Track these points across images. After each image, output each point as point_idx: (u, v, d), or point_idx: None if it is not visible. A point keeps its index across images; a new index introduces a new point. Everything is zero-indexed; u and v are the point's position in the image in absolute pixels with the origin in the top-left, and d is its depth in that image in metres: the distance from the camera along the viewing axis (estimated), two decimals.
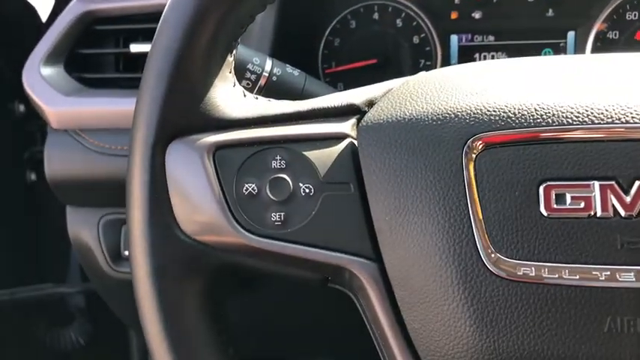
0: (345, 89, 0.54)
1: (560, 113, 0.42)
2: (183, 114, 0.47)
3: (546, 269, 0.40)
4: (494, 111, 0.43)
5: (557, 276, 0.40)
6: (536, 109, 0.43)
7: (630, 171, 0.41)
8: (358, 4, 0.99)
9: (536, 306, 0.40)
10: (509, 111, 0.43)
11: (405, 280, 0.43)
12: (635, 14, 0.93)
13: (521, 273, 0.41)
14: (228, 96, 0.49)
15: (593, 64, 0.48)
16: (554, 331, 0.40)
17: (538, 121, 0.42)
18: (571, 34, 0.95)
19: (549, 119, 0.42)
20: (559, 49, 0.96)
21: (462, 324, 0.42)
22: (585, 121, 0.42)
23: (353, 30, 1.00)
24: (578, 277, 0.40)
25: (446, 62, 0.97)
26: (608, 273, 0.40)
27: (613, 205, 0.40)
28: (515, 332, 0.41)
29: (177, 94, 0.47)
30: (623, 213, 0.40)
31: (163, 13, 0.47)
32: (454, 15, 0.97)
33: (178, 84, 0.47)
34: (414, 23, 0.98)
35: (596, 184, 0.41)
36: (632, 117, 0.41)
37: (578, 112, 0.42)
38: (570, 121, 0.42)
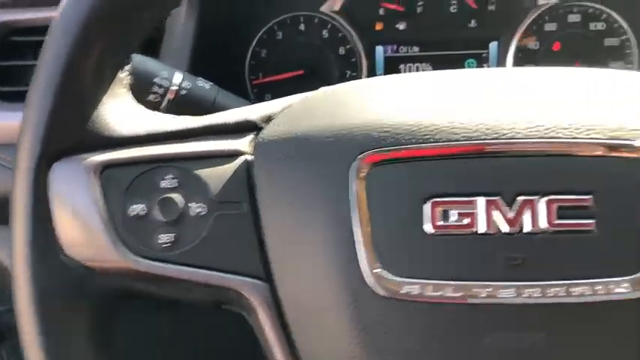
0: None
1: (448, 129, 0.42)
2: (71, 132, 0.46)
3: (430, 287, 0.40)
4: (384, 128, 0.43)
5: (439, 293, 0.40)
6: (425, 126, 0.43)
7: (514, 186, 0.41)
8: (284, 14, 0.99)
9: (420, 324, 0.40)
10: (398, 128, 0.43)
11: (295, 301, 0.43)
12: (553, 25, 0.95)
13: (404, 291, 0.40)
14: (120, 113, 0.48)
15: (484, 78, 0.48)
16: (437, 349, 0.40)
17: (426, 137, 0.42)
18: (493, 45, 0.96)
19: (436, 135, 0.42)
20: (482, 60, 0.97)
21: (349, 345, 0.41)
22: (471, 137, 0.42)
23: (279, 41, 0.99)
24: (460, 294, 0.40)
25: (371, 73, 0.98)
26: (490, 290, 0.40)
27: (496, 222, 0.40)
28: (400, 352, 0.41)
29: (63, 111, 0.45)
30: (505, 229, 0.40)
31: (48, 32, 0.46)
32: (379, 26, 0.98)
33: (65, 101, 0.45)
34: (340, 34, 0.98)
35: (481, 200, 0.41)
36: (517, 131, 0.41)
37: (465, 128, 0.42)
38: (456, 136, 0.42)
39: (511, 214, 0.40)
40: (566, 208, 0.40)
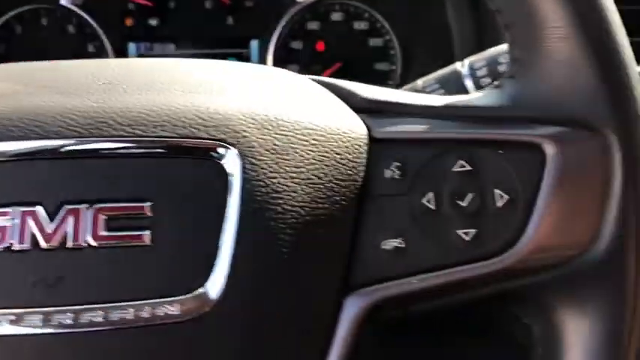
0: None
1: None
2: None
3: None
4: None
5: None
6: None
7: (59, 194, 0.33)
8: (22, 7, 0.88)
9: None
10: None
11: None
12: (316, 24, 0.91)
13: None
14: None
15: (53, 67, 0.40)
16: None
17: None
18: (254, 43, 0.91)
19: None
20: (243, 59, 0.91)
21: None
22: (7, 136, 0.34)
23: (20, 36, 0.89)
24: None
25: None
26: (14, 317, 0.32)
27: (33, 236, 0.33)
28: None
29: None
30: (42, 244, 0.33)
31: None
32: (129, 22, 0.89)
33: None
34: (89, 30, 0.89)
35: (19, 210, 0.33)
36: (65, 128, 0.34)
37: (13, 125, 0.34)
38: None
39: (51, 227, 0.33)
40: (117, 218, 0.33)
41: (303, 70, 0.90)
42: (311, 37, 0.90)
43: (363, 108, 0.39)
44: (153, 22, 0.89)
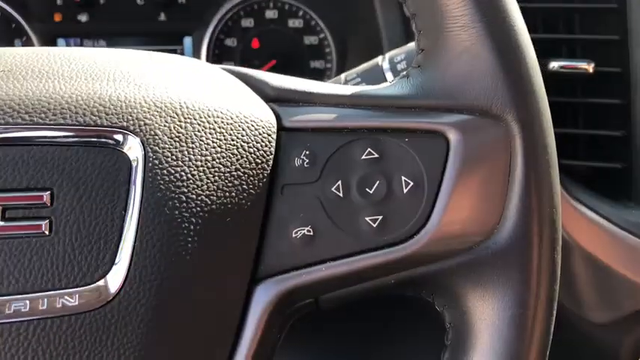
0: None
1: None
2: None
3: None
4: None
5: None
6: None
7: None
8: None
9: None
10: None
11: None
12: (250, 21, 0.90)
13: None
14: None
15: None
16: None
17: None
18: (187, 40, 0.90)
19: None
20: None
21: None
22: None
23: None
24: None
25: None
26: None
27: None
28: None
29: None
30: None
31: None
32: (57, 17, 0.87)
33: None
34: (14, 25, 0.87)
35: None
36: None
37: None
38: None
39: None
40: (14, 207, 0.32)
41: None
42: (245, 34, 0.90)
43: (274, 97, 0.39)
44: (82, 17, 0.87)
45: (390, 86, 0.40)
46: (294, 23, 0.91)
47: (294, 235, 0.36)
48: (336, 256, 0.36)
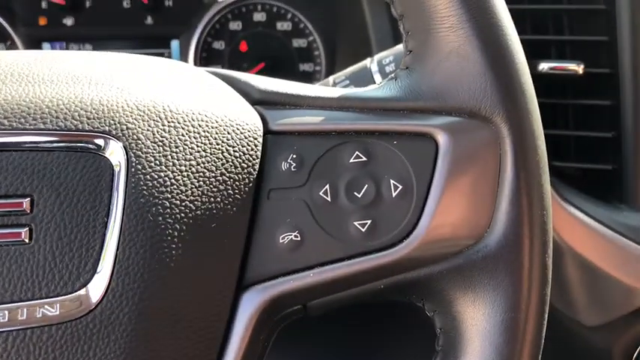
0: None
1: None
2: None
3: None
4: None
5: None
6: None
7: None
8: None
9: None
10: None
11: None
12: (238, 24, 0.90)
13: None
14: None
15: None
16: None
17: None
18: (175, 44, 0.89)
19: None
20: None
21: None
22: None
23: None
24: None
25: None
26: None
27: None
28: None
29: None
30: None
31: None
32: (43, 21, 0.86)
33: None
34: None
35: None
36: None
37: None
38: None
39: None
40: None
41: None
42: (233, 37, 0.89)
43: (260, 100, 0.38)
44: (68, 21, 0.86)
45: (378, 88, 0.40)
46: (283, 26, 0.90)
47: (281, 241, 0.35)
48: (324, 261, 0.35)
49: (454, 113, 0.37)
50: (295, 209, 0.36)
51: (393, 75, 0.40)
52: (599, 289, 0.62)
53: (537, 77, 0.64)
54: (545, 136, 0.65)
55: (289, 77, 0.90)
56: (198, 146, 0.34)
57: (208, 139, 0.35)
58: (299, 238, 0.35)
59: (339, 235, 0.36)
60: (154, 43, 0.88)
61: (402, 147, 0.37)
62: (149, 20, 0.88)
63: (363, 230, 0.36)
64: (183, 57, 0.88)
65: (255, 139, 0.36)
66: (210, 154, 0.35)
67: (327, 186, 0.36)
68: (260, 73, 0.88)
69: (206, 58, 0.89)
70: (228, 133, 0.36)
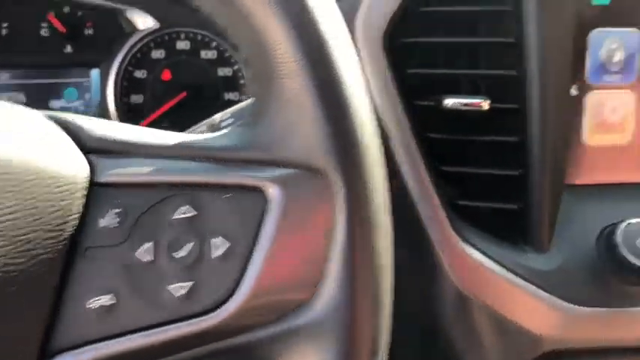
0: None
1: None
2: None
3: None
4: None
5: None
6: None
7: None
8: None
9: None
10: None
11: None
12: (161, 52, 0.88)
13: None
14: None
15: None
16: None
17: None
18: (95, 73, 0.87)
19: None
20: (84, 89, 0.87)
21: None
22: None
23: None
24: None
25: None
26: None
27: None
28: None
29: None
30: None
31: None
32: None
33: None
34: None
35: None
36: None
37: None
38: None
39: None
40: None
41: (148, 100, 0.87)
42: (156, 65, 0.87)
43: (93, 148, 0.36)
44: None
45: (221, 135, 0.37)
46: (207, 54, 0.88)
47: (92, 305, 0.33)
48: (136, 327, 0.33)
49: (288, 165, 0.35)
50: (110, 270, 0.33)
51: (241, 122, 0.38)
52: (508, 336, 0.60)
53: (446, 113, 0.62)
54: (451, 174, 0.62)
55: (213, 106, 0.88)
56: (6, 201, 0.32)
57: (20, 194, 0.32)
58: (113, 302, 0.33)
59: (154, 299, 0.33)
60: (74, 72, 0.86)
61: (232, 201, 0.34)
62: (68, 49, 0.85)
63: (182, 293, 0.33)
64: (103, 86, 0.85)
65: (76, 192, 0.34)
66: (19, 210, 0.32)
67: (148, 244, 0.34)
68: (182, 102, 0.86)
69: (127, 87, 0.86)
70: (47, 186, 0.33)
